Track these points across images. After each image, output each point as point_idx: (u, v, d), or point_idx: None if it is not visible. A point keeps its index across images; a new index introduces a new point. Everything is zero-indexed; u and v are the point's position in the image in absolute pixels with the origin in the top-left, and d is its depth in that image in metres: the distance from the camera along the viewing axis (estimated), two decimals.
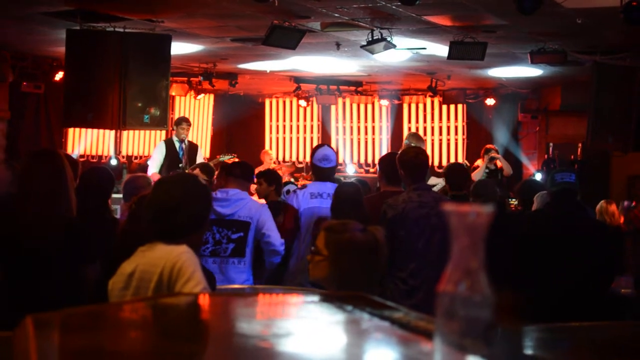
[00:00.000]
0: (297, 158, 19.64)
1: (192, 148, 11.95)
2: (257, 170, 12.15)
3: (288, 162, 19.06)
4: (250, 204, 6.69)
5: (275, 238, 6.67)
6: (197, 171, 8.95)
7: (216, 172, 9.73)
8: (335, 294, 2.19)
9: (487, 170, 13.02)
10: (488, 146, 13.83)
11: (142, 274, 3.53)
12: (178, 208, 3.62)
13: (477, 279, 1.23)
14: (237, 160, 12.15)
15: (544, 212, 6.71)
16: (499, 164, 13.37)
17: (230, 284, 6.34)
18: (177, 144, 11.76)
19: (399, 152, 6.81)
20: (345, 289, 3.41)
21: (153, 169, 11.50)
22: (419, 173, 6.24)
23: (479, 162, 13.44)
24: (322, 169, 7.48)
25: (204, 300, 2.45)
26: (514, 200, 8.69)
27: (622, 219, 10.02)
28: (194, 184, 3.94)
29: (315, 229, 6.90)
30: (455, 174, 7.94)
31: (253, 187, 8.08)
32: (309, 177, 9.16)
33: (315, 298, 2.19)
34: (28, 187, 5.06)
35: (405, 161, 6.28)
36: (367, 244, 3.81)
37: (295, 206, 7.27)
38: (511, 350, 1.23)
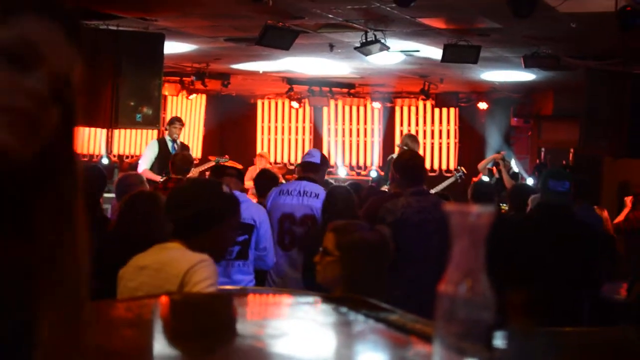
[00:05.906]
0: (289, 160, 19.60)
1: (184, 149, 11.93)
2: (249, 173, 12.16)
3: (279, 163, 19.04)
4: (252, 207, 6.49)
5: (270, 256, 6.52)
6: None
7: (207, 173, 9.67)
8: (331, 295, 2.18)
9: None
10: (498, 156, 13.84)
11: (154, 272, 3.49)
12: (187, 204, 3.63)
13: (478, 280, 1.21)
14: (230, 162, 12.16)
15: (533, 217, 6.53)
16: (502, 173, 13.49)
17: (235, 286, 6.24)
18: (169, 144, 11.76)
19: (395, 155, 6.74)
20: (355, 289, 3.36)
21: (144, 166, 11.48)
22: (416, 176, 6.09)
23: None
24: (302, 163, 7.51)
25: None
26: (504, 205, 8.69)
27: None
28: (207, 184, 3.99)
29: (280, 226, 7.04)
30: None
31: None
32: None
33: (311, 299, 2.18)
34: None
35: (401, 164, 6.16)
36: (377, 243, 3.80)
37: (267, 204, 7.20)
38: (523, 351, 1.21)
